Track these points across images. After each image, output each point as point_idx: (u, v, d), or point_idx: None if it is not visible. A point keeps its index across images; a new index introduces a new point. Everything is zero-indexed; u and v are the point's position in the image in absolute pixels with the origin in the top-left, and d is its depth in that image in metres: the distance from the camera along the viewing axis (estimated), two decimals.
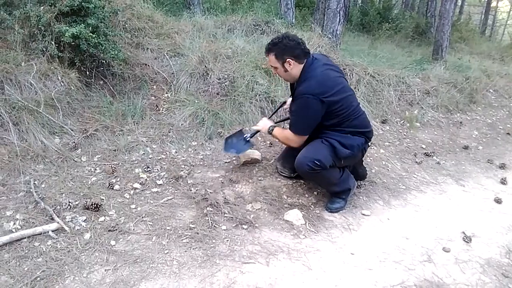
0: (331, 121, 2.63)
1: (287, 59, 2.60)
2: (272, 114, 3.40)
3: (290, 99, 3.03)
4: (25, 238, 2.18)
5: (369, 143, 2.89)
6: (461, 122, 5.02)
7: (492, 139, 4.76)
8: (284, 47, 2.59)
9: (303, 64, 2.64)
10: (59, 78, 3.29)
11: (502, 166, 3.91)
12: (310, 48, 4.64)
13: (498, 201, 3.20)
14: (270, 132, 2.86)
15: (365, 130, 2.74)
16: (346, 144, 2.64)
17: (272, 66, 2.72)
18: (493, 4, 20.85)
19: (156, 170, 3.01)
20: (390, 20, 10.01)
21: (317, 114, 2.56)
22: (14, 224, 2.27)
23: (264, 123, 2.95)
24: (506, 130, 5.05)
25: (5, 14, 3.25)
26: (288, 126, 2.80)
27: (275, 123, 3.02)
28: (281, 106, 3.26)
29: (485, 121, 5.29)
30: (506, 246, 2.61)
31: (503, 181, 3.58)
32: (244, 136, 3.10)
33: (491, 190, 3.42)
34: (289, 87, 3.11)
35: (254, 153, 3.27)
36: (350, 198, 2.90)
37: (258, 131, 3.03)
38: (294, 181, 3.08)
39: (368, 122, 2.81)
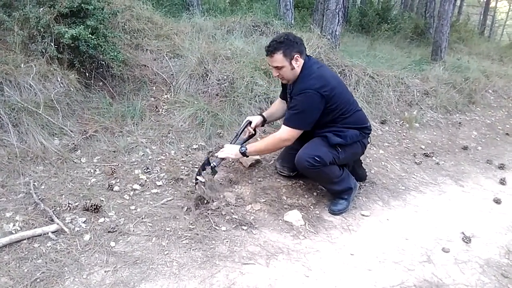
0: (326, 117, 2.65)
1: (295, 55, 2.58)
2: (236, 137, 2.97)
3: (255, 117, 3.01)
4: (24, 239, 2.17)
5: (369, 139, 2.89)
6: (460, 123, 5.03)
7: (491, 139, 4.77)
8: (291, 43, 2.58)
9: (303, 61, 2.65)
10: (59, 80, 3.29)
11: (501, 167, 3.91)
12: (309, 49, 4.69)
13: (497, 201, 3.21)
14: (244, 153, 2.71)
15: (360, 126, 2.75)
16: (338, 134, 2.66)
17: (276, 67, 2.63)
18: (492, 4, 20.89)
19: (156, 171, 3.01)
20: (389, 21, 10.03)
21: (318, 108, 2.57)
22: (14, 225, 2.27)
23: (230, 150, 2.76)
24: (505, 131, 5.06)
25: (4, 15, 3.25)
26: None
27: (243, 143, 2.89)
28: (245, 127, 3.00)
29: (484, 121, 5.30)
30: (505, 246, 2.61)
31: (502, 182, 3.58)
32: (211, 165, 2.76)
33: (490, 190, 3.43)
34: (281, 88, 3.07)
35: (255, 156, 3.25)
36: (352, 199, 2.89)
37: (223, 159, 2.80)
38: (294, 181, 3.09)
39: (364, 118, 2.82)
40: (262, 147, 2.75)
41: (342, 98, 2.66)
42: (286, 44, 2.57)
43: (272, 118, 3.14)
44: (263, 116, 3.06)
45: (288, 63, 2.59)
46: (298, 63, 2.61)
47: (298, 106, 2.58)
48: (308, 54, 2.77)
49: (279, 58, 2.58)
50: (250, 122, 3.01)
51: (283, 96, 3.02)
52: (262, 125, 3.13)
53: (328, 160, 2.62)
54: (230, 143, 2.90)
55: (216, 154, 2.86)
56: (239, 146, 2.74)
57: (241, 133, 2.97)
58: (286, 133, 2.64)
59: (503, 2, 25.11)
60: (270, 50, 2.60)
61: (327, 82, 2.57)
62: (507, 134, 4.97)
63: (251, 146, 2.74)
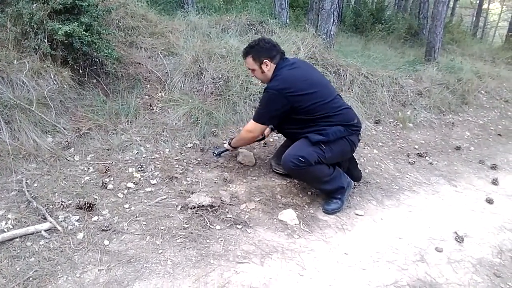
0: (302, 117, 2.70)
1: (264, 60, 2.77)
2: None
3: None
4: (17, 237, 2.15)
5: (359, 137, 2.87)
6: (453, 123, 5.07)
7: (484, 140, 4.81)
8: (261, 49, 2.78)
9: (276, 65, 2.79)
10: (52, 77, 3.26)
11: (494, 167, 3.95)
12: (304, 49, 4.69)
13: (489, 201, 3.24)
14: (229, 143, 3.15)
15: (345, 123, 2.72)
16: (319, 132, 2.66)
17: (249, 69, 2.90)
18: (485, 6, 21.07)
19: (150, 170, 3.00)
20: (383, 21, 10.07)
21: (278, 107, 2.70)
22: (6, 223, 2.25)
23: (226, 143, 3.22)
24: (497, 131, 5.11)
25: None
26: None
27: None
28: None
29: (477, 122, 5.35)
30: (497, 246, 2.64)
31: (495, 182, 3.61)
32: (214, 151, 3.32)
33: (482, 190, 3.46)
34: None
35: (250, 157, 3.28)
36: (346, 198, 2.90)
37: (226, 150, 3.25)
38: (288, 181, 3.09)
39: (350, 116, 2.77)
40: (238, 138, 3.08)
41: (316, 98, 2.66)
42: (256, 50, 2.79)
43: None
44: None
45: (258, 67, 2.81)
46: (268, 68, 2.79)
47: (261, 102, 2.86)
48: (286, 56, 2.88)
49: (249, 61, 2.83)
50: None
51: None
52: (272, 131, 3.38)
53: (312, 159, 2.62)
54: None
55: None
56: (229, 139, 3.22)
57: None
58: (250, 125, 2.90)
59: (495, 4, 25.34)
60: (243, 54, 2.88)
61: (292, 84, 2.66)
62: (499, 134, 5.01)
63: (234, 138, 3.14)
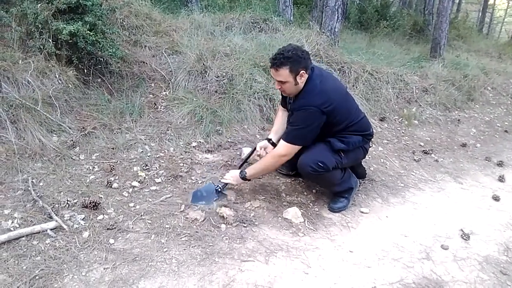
0: (329, 130, 2.60)
1: (301, 72, 2.45)
2: (242, 163, 2.95)
3: (261, 143, 2.91)
4: (23, 236, 2.17)
5: (370, 144, 2.90)
6: (459, 120, 5.03)
7: (490, 136, 4.78)
8: (299, 59, 2.44)
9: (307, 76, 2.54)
10: (57, 76, 3.28)
11: (500, 164, 3.92)
12: (308, 46, 4.68)
13: (496, 198, 3.21)
14: (244, 177, 2.68)
15: (363, 133, 2.74)
16: (341, 140, 2.64)
17: (280, 81, 2.51)
18: (491, 1, 20.88)
19: (155, 168, 3.00)
20: (388, 18, 10.01)
21: (318, 124, 2.52)
22: (12, 222, 2.26)
23: (231, 175, 2.74)
24: (503, 128, 5.07)
25: (2, 11, 3.22)
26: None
27: (240, 167, 2.89)
28: (252, 153, 2.97)
29: (483, 118, 5.31)
30: (504, 243, 2.62)
31: (501, 179, 3.59)
32: (216, 187, 2.75)
33: (489, 187, 3.43)
34: (280, 97, 2.94)
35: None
36: (352, 197, 2.90)
37: (226, 184, 2.76)
38: (293, 179, 3.09)
39: (367, 125, 2.79)
40: (261, 167, 2.68)
41: (345, 109, 2.60)
42: (294, 60, 2.43)
43: (280, 135, 2.87)
44: (269, 140, 2.90)
45: (293, 79, 2.47)
46: (303, 79, 2.50)
47: (299, 122, 2.53)
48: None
49: (284, 73, 2.45)
50: (254, 149, 2.93)
51: (284, 104, 2.90)
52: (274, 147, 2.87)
53: (331, 165, 2.60)
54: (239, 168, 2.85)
55: (220, 179, 2.81)
56: (239, 171, 2.72)
57: (246, 160, 2.96)
58: (285, 149, 2.57)
59: None
60: (276, 64, 2.45)
61: (329, 98, 2.49)
62: (505, 131, 4.97)
63: (250, 169, 2.68)
